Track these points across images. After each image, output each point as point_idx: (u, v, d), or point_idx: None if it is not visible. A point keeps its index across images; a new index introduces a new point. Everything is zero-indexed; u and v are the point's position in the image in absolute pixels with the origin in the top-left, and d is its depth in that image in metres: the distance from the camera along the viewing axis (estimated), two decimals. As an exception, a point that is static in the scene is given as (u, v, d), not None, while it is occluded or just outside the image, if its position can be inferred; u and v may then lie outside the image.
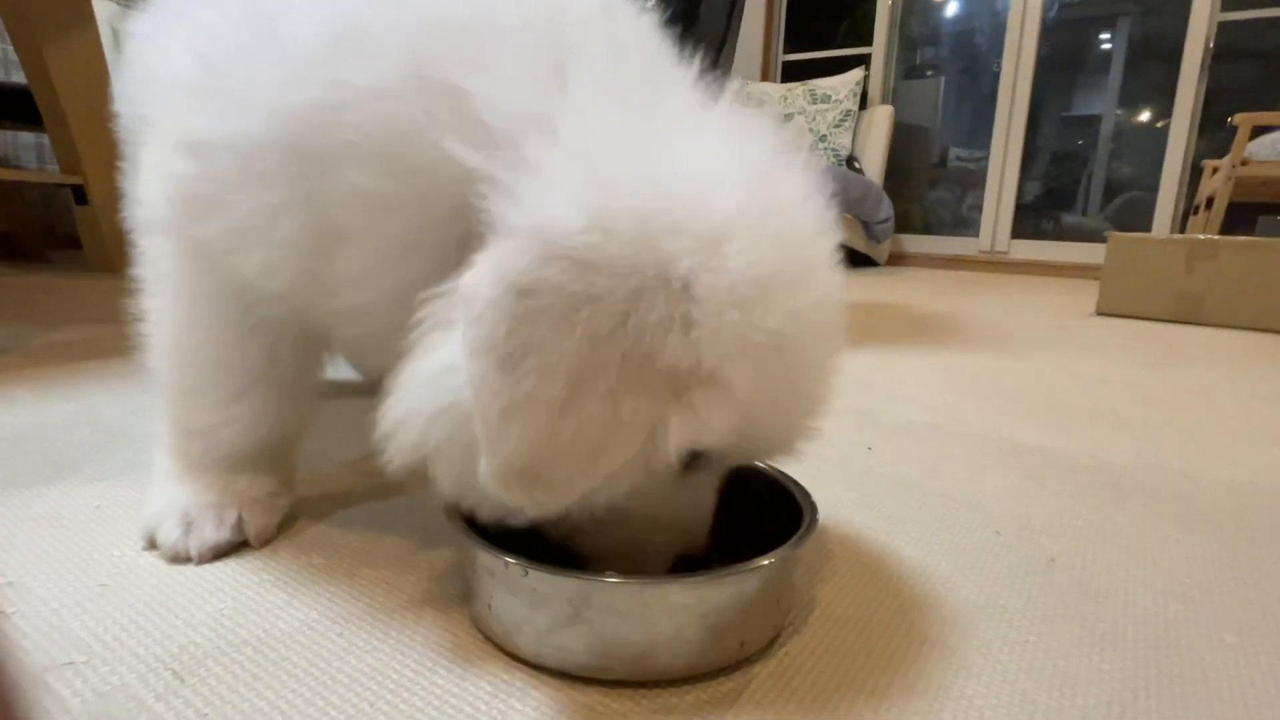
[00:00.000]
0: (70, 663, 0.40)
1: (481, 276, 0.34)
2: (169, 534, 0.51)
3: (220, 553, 0.52)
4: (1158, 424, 1.00)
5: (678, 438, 0.35)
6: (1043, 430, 0.94)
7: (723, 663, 0.41)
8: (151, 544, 0.53)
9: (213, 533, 0.52)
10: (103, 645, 0.42)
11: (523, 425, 0.33)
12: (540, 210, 0.34)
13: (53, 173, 2.25)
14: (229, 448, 0.54)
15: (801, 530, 0.45)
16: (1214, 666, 0.44)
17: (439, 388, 0.37)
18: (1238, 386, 1.26)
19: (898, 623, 0.48)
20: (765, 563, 0.41)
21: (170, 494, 0.54)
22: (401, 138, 0.40)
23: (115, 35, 2.63)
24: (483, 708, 0.38)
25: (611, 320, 0.33)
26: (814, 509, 0.48)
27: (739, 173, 0.38)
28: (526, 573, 0.39)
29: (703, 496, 0.44)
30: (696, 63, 0.45)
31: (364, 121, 0.40)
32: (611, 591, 0.38)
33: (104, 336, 1.28)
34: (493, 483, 0.35)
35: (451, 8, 0.42)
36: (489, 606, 0.42)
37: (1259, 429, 0.99)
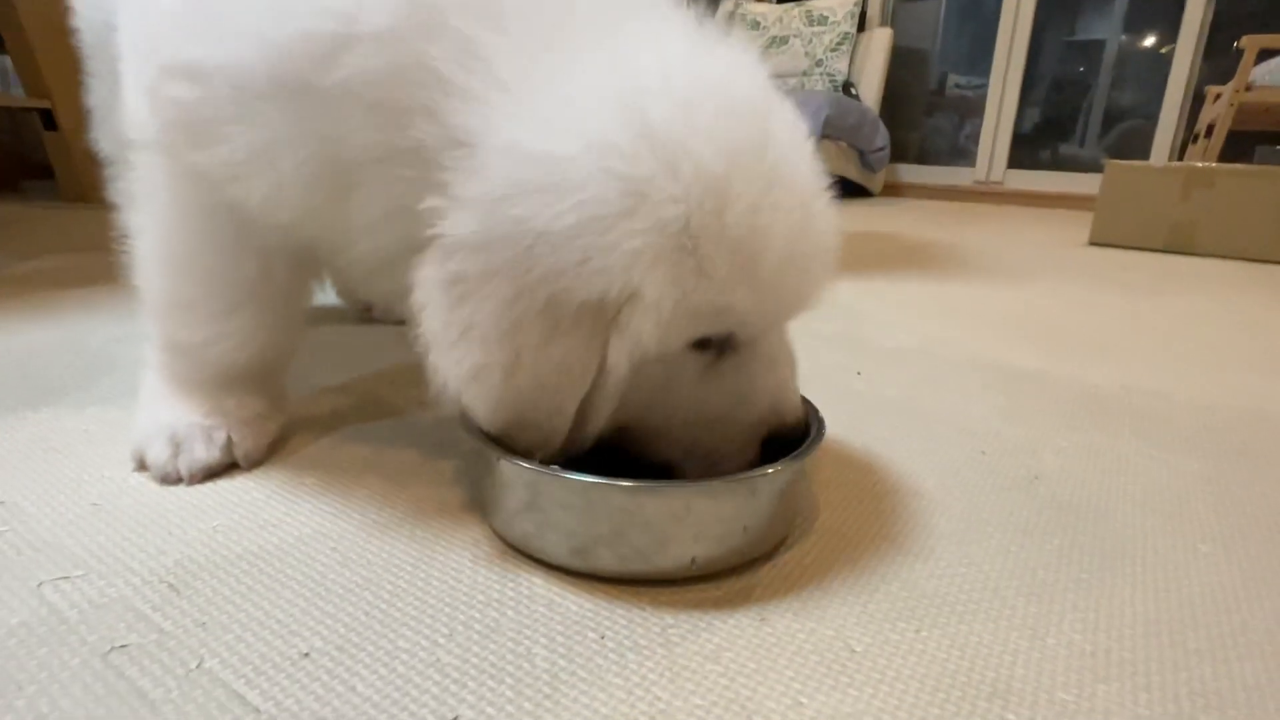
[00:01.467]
0: (65, 576, 0.41)
1: (422, 283, 0.40)
2: (158, 454, 0.51)
3: (211, 473, 0.52)
4: (1143, 350, 1.00)
5: (616, 356, 0.39)
6: (1030, 355, 0.94)
7: (672, 573, 0.42)
8: (141, 465, 0.52)
9: (202, 453, 0.52)
10: (97, 560, 0.42)
11: (485, 389, 0.40)
12: (447, 216, 0.39)
13: (18, 96, 2.15)
14: (218, 366, 0.54)
15: (785, 459, 0.45)
16: (1187, 573, 0.46)
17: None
18: (1224, 314, 1.26)
19: (882, 534, 0.49)
20: (717, 482, 0.42)
21: (158, 414, 0.54)
22: (402, 88, 0.40)
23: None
24: (475, 614, 0.39)
25: (517, 282, 0.37)
26: (817, 438, 0.48)
27: (595, 112, 0.38)
28: (498, 460, 0.43)
29: (758, 381, 0.45)
30: None
31: (363, 64, 0.39)
32: (559, 486, 0.41)
33: (84, 264, 1.25)
34: (495, 433, 0.42)
35: None
36: (484, 493, 0.47)
37: (1240, 355, 1.00)
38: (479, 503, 0.50)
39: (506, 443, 0.43)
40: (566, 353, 0.38)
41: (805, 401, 0.52)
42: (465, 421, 0.46)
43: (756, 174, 0.38)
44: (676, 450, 0.46)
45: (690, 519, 0.41)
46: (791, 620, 0.39)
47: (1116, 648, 0.39)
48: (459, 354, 0.39)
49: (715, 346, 0.43)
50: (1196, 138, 2.89)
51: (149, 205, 0.50)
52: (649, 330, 0.38)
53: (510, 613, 0.39)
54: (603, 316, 0.38)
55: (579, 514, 0.41)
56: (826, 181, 0.43)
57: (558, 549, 0.42)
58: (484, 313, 0.38)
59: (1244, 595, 0.44)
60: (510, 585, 0.42)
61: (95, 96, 0.73)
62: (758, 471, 0.42)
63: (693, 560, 0.41)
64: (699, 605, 0.40)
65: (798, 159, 0.41)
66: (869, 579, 0.44)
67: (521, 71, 0.40)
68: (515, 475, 0.42)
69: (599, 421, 0.42)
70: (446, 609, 0.39)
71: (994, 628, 0.40)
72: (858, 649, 0.38)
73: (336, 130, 0.41)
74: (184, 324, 0.52)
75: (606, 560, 0.41)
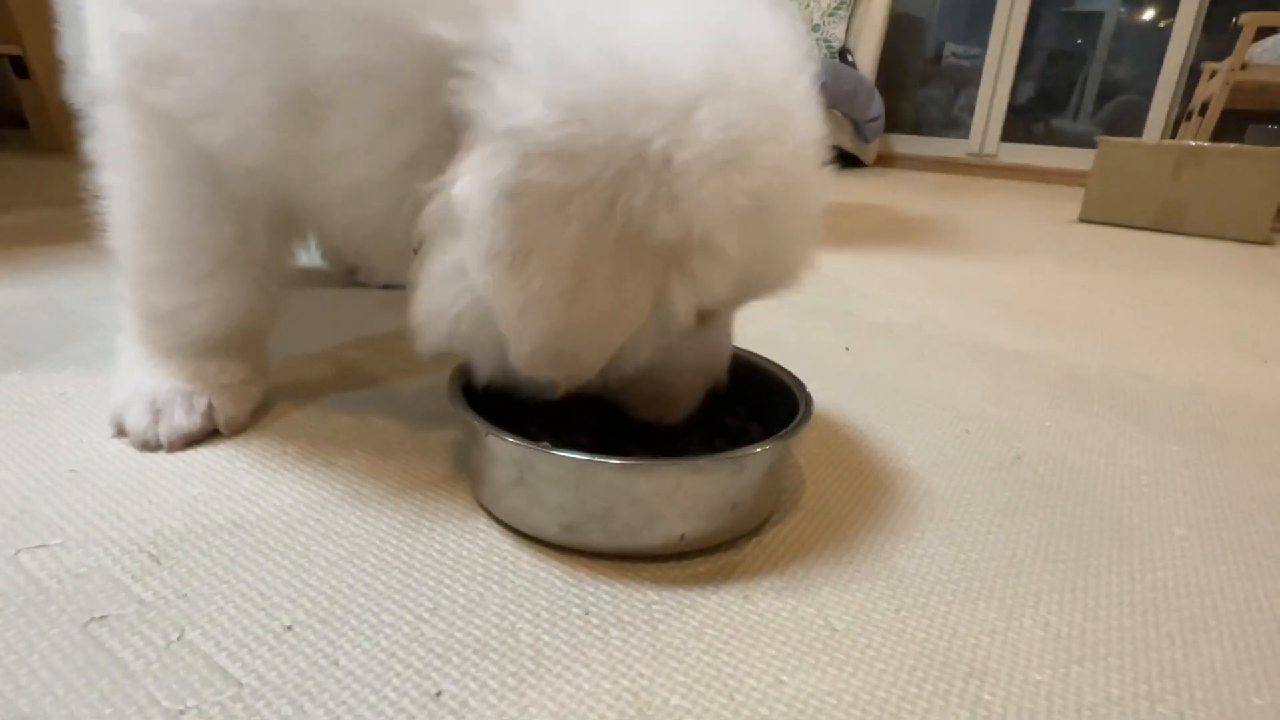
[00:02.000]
0: (44, 545, 0.40)
1: (471, 185, 0.35)
2: (137, 420, 0.50)
3: (191, 440, 0.52)
4: (1128, 330, 1.01)
5: (682, 304, 0.38)
6: (1017, 334, 0.95)
7: (661, 550, 0.42)
8: (120, 431, 0.52)
9: (183, 419, 0.51)
10: (75, 529, 0.42)
11: (540, 318, 0.37)
12: (515, 108, 0.34)
13: (-12, 42, 2.07)
14: (197, 332, 0.52)
15: (773, 437, 0.45)
16: (1162, 557, 0.47)
17: (459, 288, 0.39)
18: (1210, 296, 1.27)
19: (867, 514, 0.49)
20: (706, 460, 0.42)
21: (137, 380, 0.53)
22: (378, 2, 0.37)
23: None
24: (460, 588, 0.39)
25: (600, 207, 0.35)
26: (805, 415, 0.48)
27: (703, 36, 0.37)
28: (486, 435, 0.42)
29: (717, 341, 0.48)
30: None
31: None
32: (549, 462, 0.41)
33: (59, 219, 1.22)
34: (524, 367, 0.39)
35: None
36: (471, 466, 0.47)
37: (1224, 337, 1.01)
38: (467, 475, 0.50)
39: (526, 374, 0.41)
40: (633, 289, 0.37)
41: (791, 378, 0.53)
42: (452, 392, 0.46)
43: (801, 167, 0.40)
44: (640, 395, 0.48)
45: (679, 496, 0.41)
46: (774, 599, 0.40)
47: (1091, 629, 0.39)
48: (517, 279, 0.35)
49: (708, 313, 0.43)
50: (1190, 115, 2.87)
51: (118, 163, 0.49)
52: (719, 283, 0.38)
53: (495, 587, 0.39)
54: (675, 259, 0.37)
55: (569, 491, 0.41)
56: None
57: (547, 525, 0.42)
58: (559, 235, 0.35)
59: (1215, 579, 0.45)
60: (495, 559, 0.42)
61: (67, 45, 0.70)
62: (746, 450, 0.42)
63: (681, 537, 0.42)
64: (684, 582, 0.41)
65: (818, 154, 0.42)
66: (851, 558, 0.44)
67: None
68: (504, 451, 0.42)
69: (638, 362, 0.42)
70: (431, 583, 0.39)
71: (972, 608, 0.40)
72: (839, 627, 0.38)
73: (305, 54, 0.39)
74: (160, 289, 0.51)
75: (596, 537, 0.42)
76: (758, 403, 0.54)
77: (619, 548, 0.42)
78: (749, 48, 0.38)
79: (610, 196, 0.34)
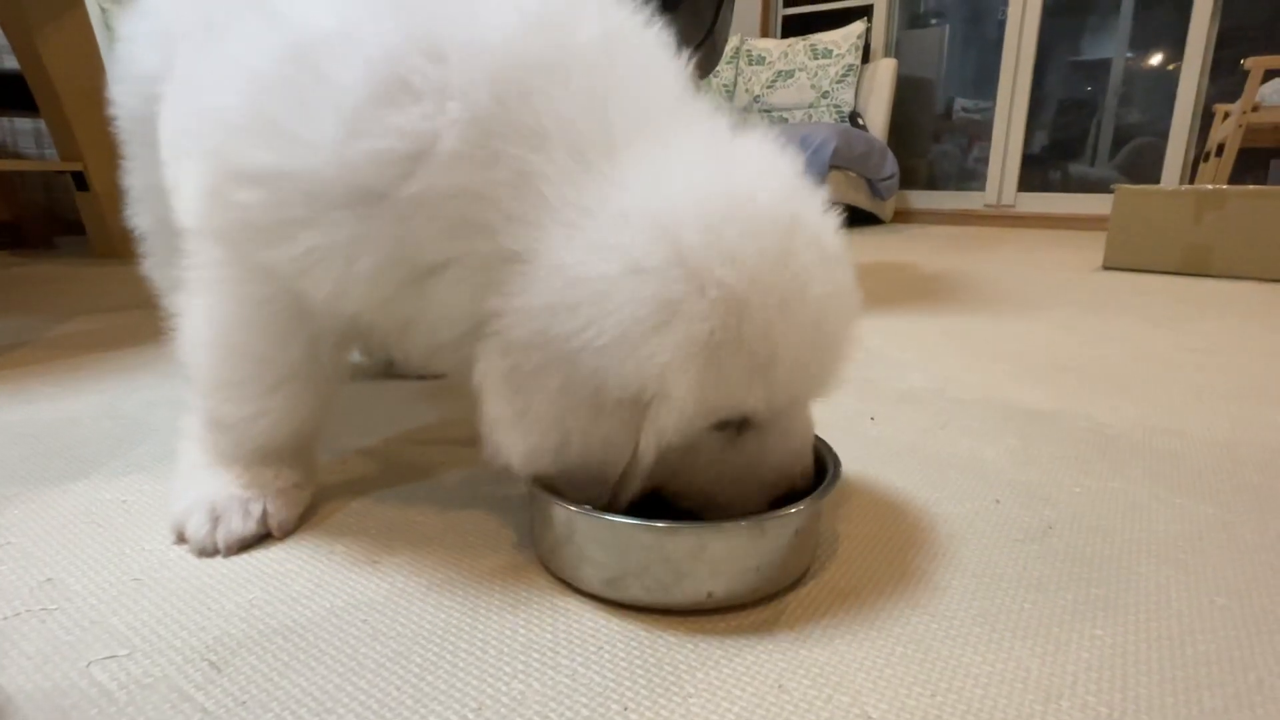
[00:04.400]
0: (113, 656, 0.43)
1: (484, 373, 0.46)
2: (197, 528, 0.53)
3: (246, 545, 0.54)
4: (1156, 383, 1.01)
5: (645, 443, 0.44)
6: (1043, 393, 0.95)
7: (688, 605, 0.47)
8: (180, 538, 0.55)
9: (239, 525, 0.54)
10: (141, 639, 0.44)
11: (541, 463, 0.46)
12: (515, 313, 0.44)
13: (52, 159, 2.24)
14: (259, 440, 0.56)
15: (809, 498, 0.49)
16: (1203, 629, 0.46)
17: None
18: (1239, 342, 1.26)
19: (896, 593, 0.50)
20: (730, 524, 0.46)
21: (199, 487, 0.56)
22: (468, 204, 0.44)
23: (104, 16, 2.59)
24: (503, 686, 0.40)
25: (566, 378, 0.43)
26: (833, 480, 0.53)
27: (648, 233, 0.43)
28: (541, 499, 0.49)
29: (776, 449, 0.50)
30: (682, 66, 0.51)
31: (435, 181, 0.43)
32: (592, 524, 0.47)
33: (116, 326, 1.30)
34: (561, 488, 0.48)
35: (501, 57, 0.44)
36: (533, 527, 0.54)
37: (1256, 385, 1.00)
38: (530, 537, 0.55)
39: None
40: (608, 433, 0.44)
41: (822, 443, 0.56)
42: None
43: (774, 291, 0.43)
44: (698, 503, 0.51)
45: (705, 556, 0.46)
46: (809, 687, 0.40)
47: (1132, 710, 0.39)
48: (518, 434, 0.46)
49: (734, 426, 0.48)
50: (1208, 155, 2.88)
51: (202, 291, 0.53)
52: (673, 423, 0.44)
53: (535, 684, 0.41)
54: (637, 407, 0.43)
55: (609, 549, 0.47)
56: (851, 276, 0.48)
57: (592, 579, 0.48)
58: (538, 401, 0.44)
59: (1259, 650, 0.44)
60: (535, 656, 0.43)
61: (131, 178, 0.77)
62: (768, 515, 0.47)
63: (709, 594, 0.46)
64: (719, 672, 0.42)
65: (819, 266, 0.44)
66: (884, 640, 0.45)
67: (566, 196, 0.44)
68: (555, 513, 0.49)
69: (633, 488, 0.48)
70: (475, 681, 0.41)
71: (1009, 691, 0.40)
72: (875, 716, 0.38)
73: (409, 235, 0.45)
74: (229, 400, 0.55)
75: (634, 591, 0.47)
76: None
77: (654, 602, 0.47)
78: (691, 232, 0.42)
79: (571, 368, 0.43)
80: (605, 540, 0.47)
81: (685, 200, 0.43)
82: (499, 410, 0.46)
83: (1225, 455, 0.75)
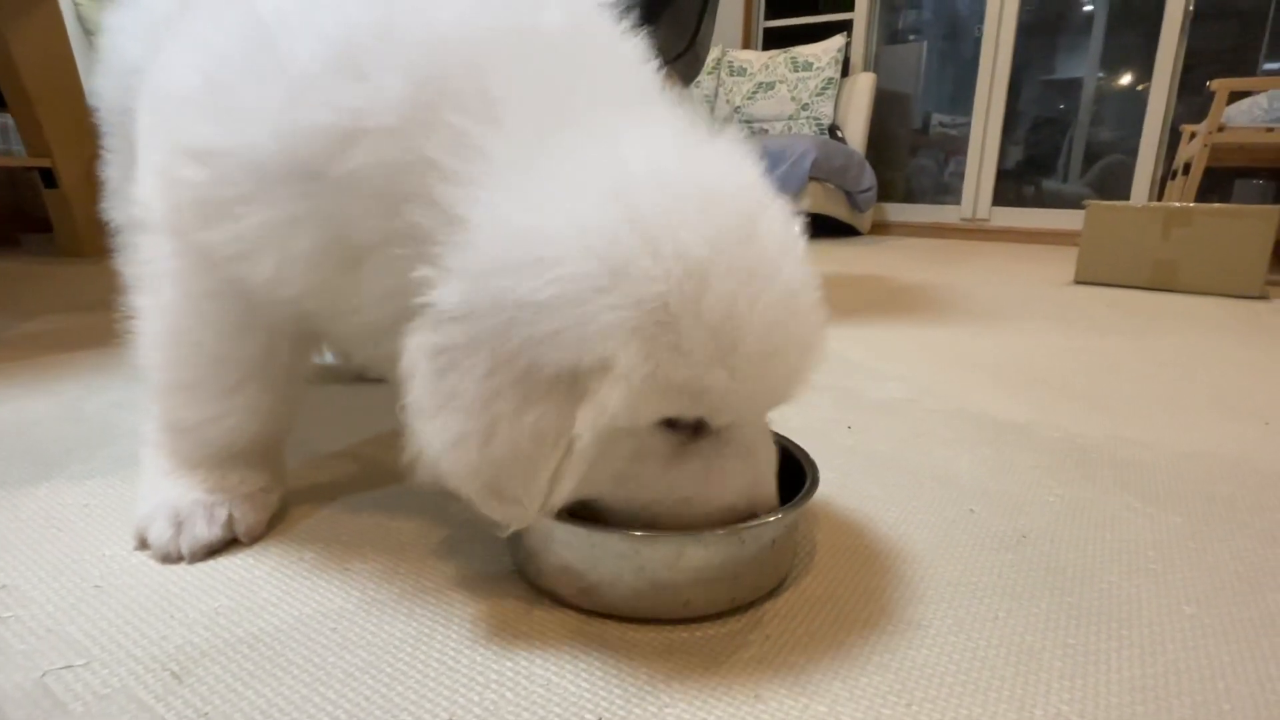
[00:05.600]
0: (69, 665, 0.41)
1: (409, 351, 0.41)
2: (160, 534, 0.52)
3: (211, 551, 0.53)
4: (1127, 395, 1.02)
5: (582, 424, 0.39)
6: (1017, 404, 0.96)
7: (665, 614, 0.46)
8: (143, 544, 0.53)
9: (204, 531, 0.52)
10: (100, 648, 0.43)
11: (463, 457, 0.40)
12: (446, 279, 0.40)
13: (19, 155, 2.18)
14: (221, 443, 0.55)
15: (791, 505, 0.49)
16: (1172, 637, 0.47)
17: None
18: (1206, 354, 1.29)
19: (872, 602, 0.50)
20: (707, 533, 0.45)
21: (161, 492, 0.55)
22: (405, 178, 0.42)
23: (77, 11, 2.55)
24: (475, 697, 0.39)
25: (496, 354, 0.38)
26: (810, 490, 0.52)
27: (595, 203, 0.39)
28: None
29: (722, 462, 0.45)
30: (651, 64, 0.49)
31: (371, 158, 0.42)
32: (567, 532, 0.46)
33: (80, 327, 1.27)
34: (476, 503, 0.41)
35: (450, 33, 0.43)
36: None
37: (1223, 397, 1.02)
38: (504, 544, 0.53)
39: (484, 515, 0.42)
40: (538, 420, 0.39)
41: (800, 451, 0.56)
42: None
43: (739, 264, 0.39)
44: (641, 523, 0.46)
45: (682, 565, 0.45)
46: (785, 697, 0.40)
47: (1104, 718, 0.39)
48: (440, 423, 0.40)
49: (687, 428, 0.43)
50: (1176, 174, 2.95)
51: (154, 288, 0.52)
52: (616, 400, 0.38)
53: (509, 694, 0.40)
54: (575, 387, 0.39)
55: (584, 557, 0.46)
56: (816, 283, 0.44)
57: (567, 588, 0.47)
58: (465, 383, 0.39)
59: (1227, 659, 0.45)
60: (508, 665, 0.42)
61: (110, 170, 0.75)
62: (747, 524, 0.46)
63: (686, 603, 0.46)
64: (695, 682, 0.41)
65: (784, 256, 0.42)
66: (861, 650, 0.45)
67: (513, 158, 0.42)
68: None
69: (564, 491, 0.41)
70: (446, 691, 0.40)
71: (983, 700, 0.40)
72: (850, 726, 0.38)
73: (344, 213, 0.44)
74: (187, 404, 0.53)
75: (610, 599, 0.46)
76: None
77: (630, 611, 0.46)
78: (648, 196, 0.39)
79: (503, 340, 0.38)
80: (581, 548, 0.46)
81: (643, 170, 0.40)
82: (421, 395, 0.40)
83: (1194, 466, 0.76)
